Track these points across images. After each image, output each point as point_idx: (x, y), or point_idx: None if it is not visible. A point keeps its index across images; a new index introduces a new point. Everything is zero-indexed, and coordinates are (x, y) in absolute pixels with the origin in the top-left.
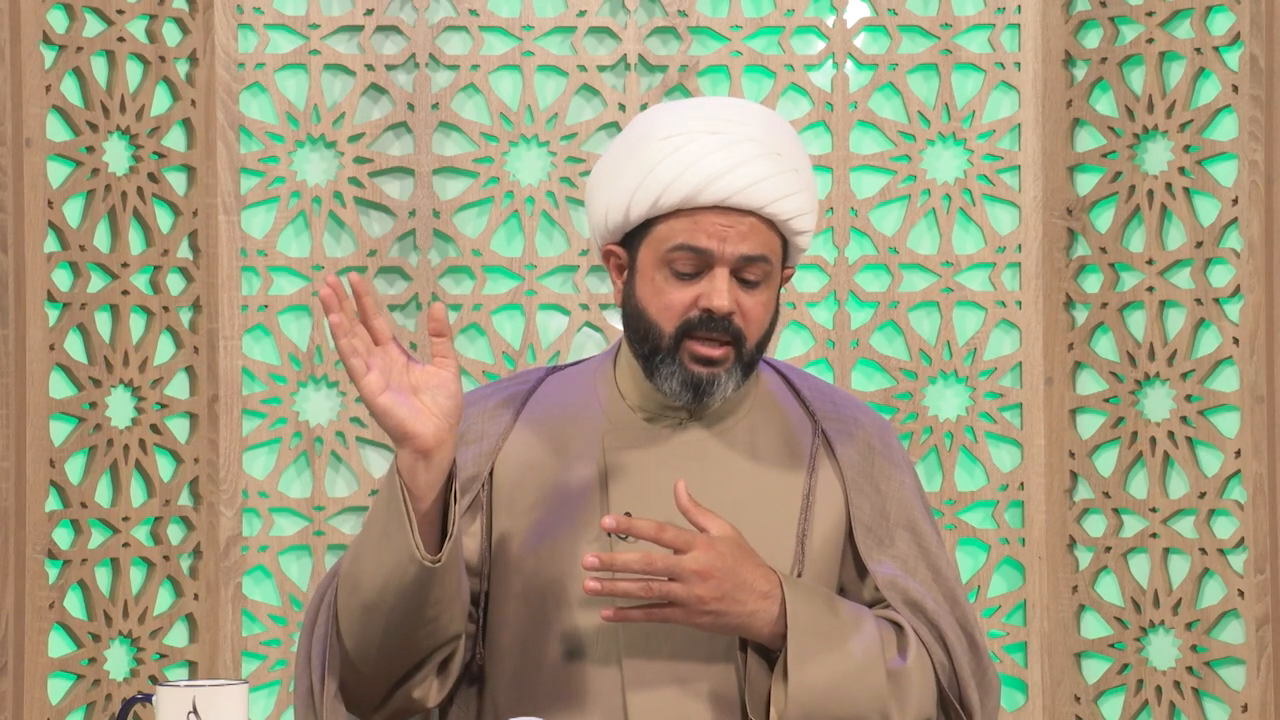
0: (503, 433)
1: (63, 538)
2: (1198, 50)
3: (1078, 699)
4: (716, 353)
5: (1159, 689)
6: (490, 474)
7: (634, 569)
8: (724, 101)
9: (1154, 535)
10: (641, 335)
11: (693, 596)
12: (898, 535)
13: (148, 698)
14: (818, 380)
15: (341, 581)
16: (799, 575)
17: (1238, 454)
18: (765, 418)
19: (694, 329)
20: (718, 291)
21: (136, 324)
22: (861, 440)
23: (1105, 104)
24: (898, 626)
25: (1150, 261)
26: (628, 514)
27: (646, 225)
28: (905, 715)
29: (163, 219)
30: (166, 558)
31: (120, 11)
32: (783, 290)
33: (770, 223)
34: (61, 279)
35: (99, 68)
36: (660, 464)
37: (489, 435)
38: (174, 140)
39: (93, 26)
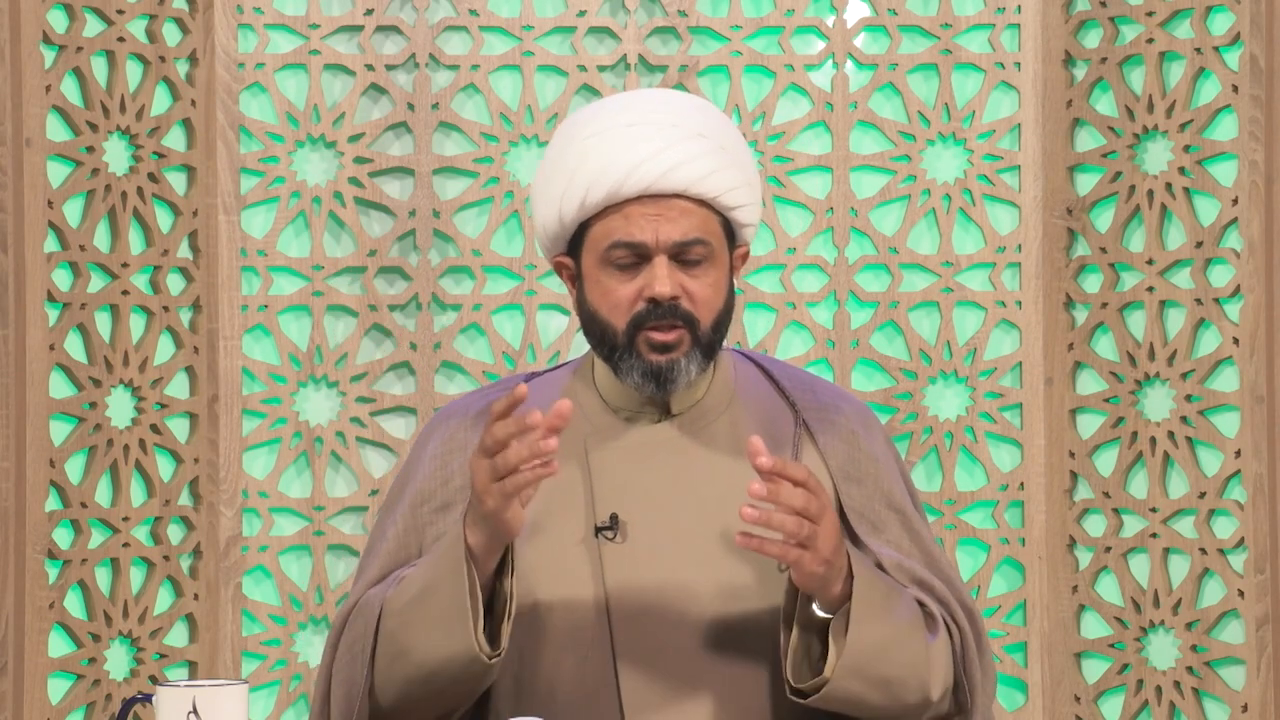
0: None
1: (63, 538)
2: (1198, 50)
3: (1078, 699)
4: (670, 337)
5: (1159, 689)
6: None
7: (788, 527)
8: (644, 93)
9: (1154, 535)
10: (599, 337)
11: (820, 546)
12: (889, 519)
13: (148, 698)
14: (796, 370)
15: (385, 643)
16: (786, 568)
17: (1238, 454)
18: (746, 411)
19: (644, 320)
20: (658, 279)
21: (136, 324)
22: (843, 427)
23: (1105, 104)
24: (921, 604)
25: (1150, 261)
26: (614, 515)
27: (584, 229)
28: (936, 687)
29: (163, 219)
30: (166, 558)
31: (120, 11)
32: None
33: (704, 203)
34: (61, 279)
35: (99, 68)
36: (643, 462)
37: (473, 442)
38: (174, 140)
39: (93, 26)
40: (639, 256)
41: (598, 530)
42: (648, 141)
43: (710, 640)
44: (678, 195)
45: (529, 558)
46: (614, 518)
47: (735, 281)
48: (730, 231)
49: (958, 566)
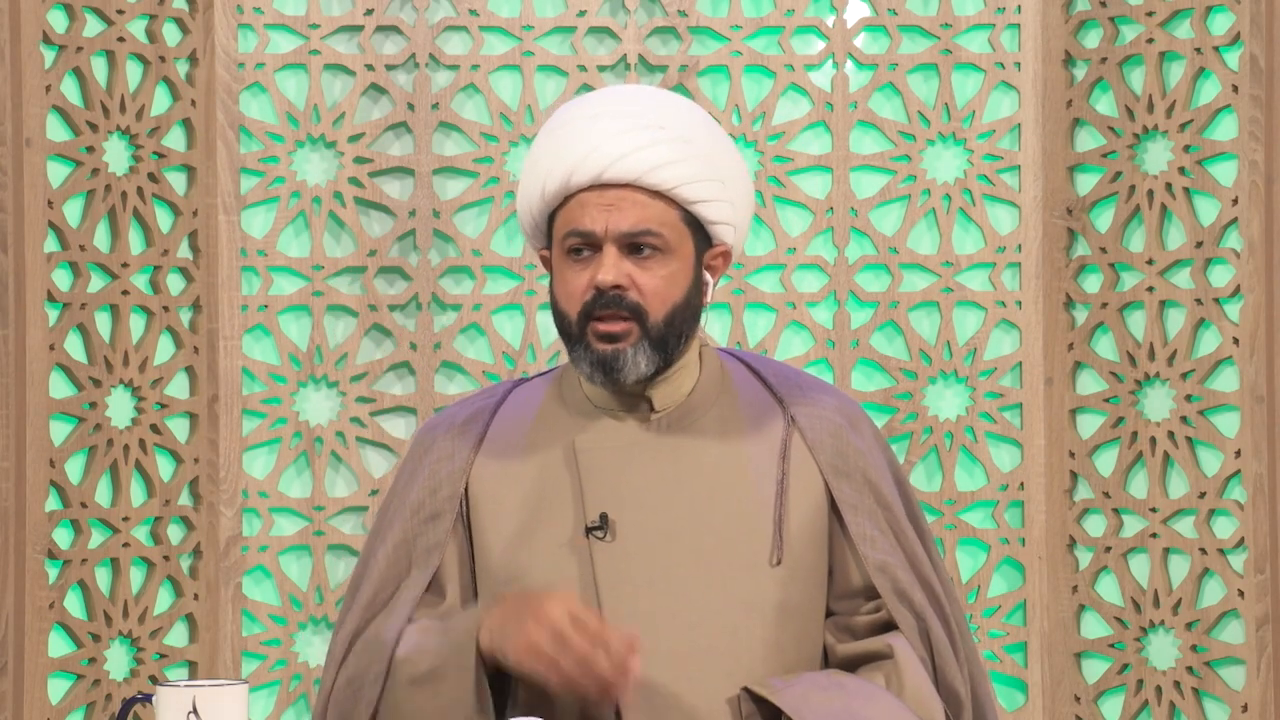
0: (473, 446)
1: (63, 538)
2: (1198, 50)
3: (1078, 699)
4: (616, 328)
5: (1159, 689)
6: (466, 489)
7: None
8: (617, 88)
9: (1154, 535)
10: (560, 327)
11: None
12: (876, 514)
13: (148, 698)
14: (782, 365)
15: (388, 708)
16: (778, 563)
17: (1238, 454)
18: (733, 407)
19: (593, 309)
20: (603, 268)
21: (136, 324)
22: (831, 422)
23: (1105, 104)
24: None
25: (1150, 261)
26: (604, 515)
27: (551, 222)
28: None
29: (163, 219)
30: (166, 558)
31: (120, 11)
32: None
33: (663, 195)
34: (61, 279)
35: (99, 68)
36: (632, 462)
37: (460, 451)
38: (174, 140)
39: (93, 26)
40: (591, 246)
41: (588, 530)
42: (601, 132)
43: (703, 636)
44: (631, 185)
45: (521, 559)
46: (604, 517)
47: (710, 280)
48: (701, 229)
49: (957, 567)
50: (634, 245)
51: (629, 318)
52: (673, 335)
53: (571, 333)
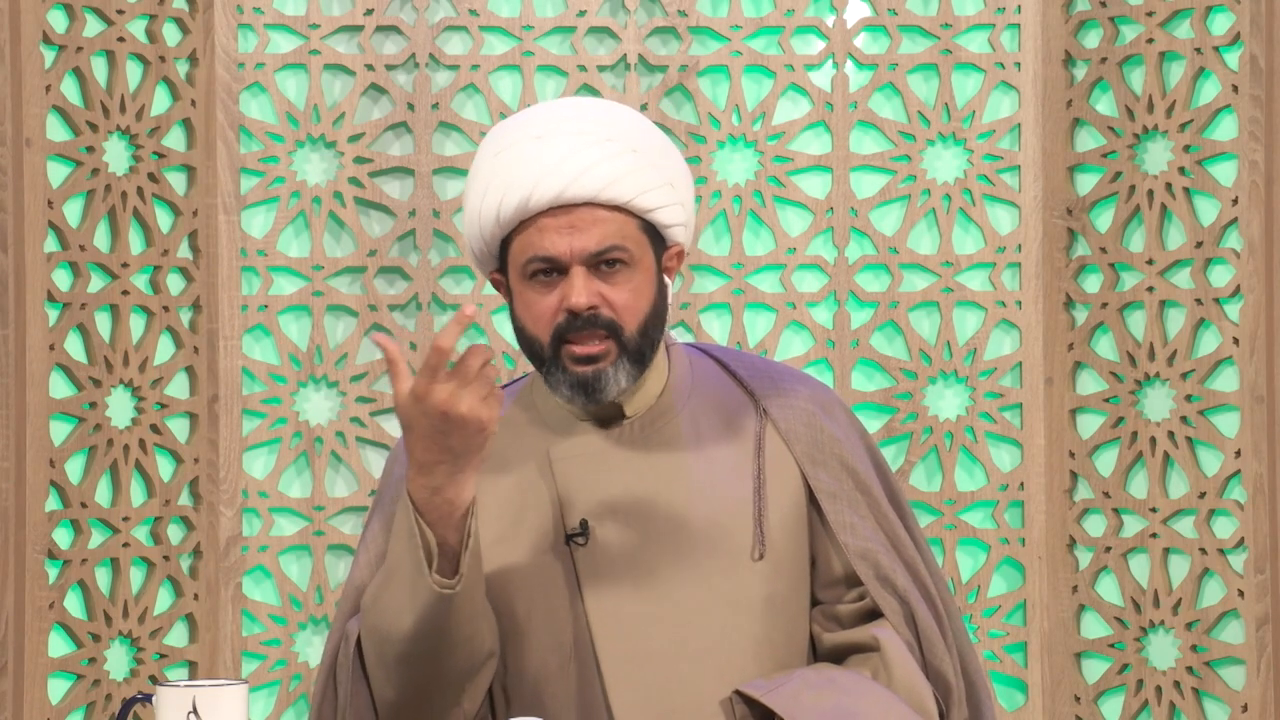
0: None
1: (63, 538)
2: (1198, 50)
3: (1078, 699)
4: (594, 349)
5: (1159, 689)
6: None
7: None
8: (554, 103)
9: (1154, 535)
10: (529, 351)
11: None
12: (856, 500)
13: (148, 698)
14: (752, 357)
15: (369, 640)
16: (760, 557)
17: (1238, 454)
18: (706, 405)
19: (565, 332)
20: (575, 290)
21: (136, 324)
22: (803, 410)
23: (1105, 104)
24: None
25: (1150, 261)
26: (584, 521)
27: (505, 246)
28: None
29: (163, 219)
30: (166, 558)
31: (120, 11)
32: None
33: (619, 208)
34: (61, 279)
35: (99, 68)
36: (608, 468)
37: None
38: (174, 140)
39: (93, 26)
40: (556, 269)
41: (568, 537)
42: (552, 152)
43: (691, 636)
44: (588, 203)
45: (501, 567)
46: (584, 523)
47: (669, 282)
48: (656, 233)
49: (957, 567)
50: (600, 262)
51: (606, 336)
52: (647, 345)
53: (543, 356)
